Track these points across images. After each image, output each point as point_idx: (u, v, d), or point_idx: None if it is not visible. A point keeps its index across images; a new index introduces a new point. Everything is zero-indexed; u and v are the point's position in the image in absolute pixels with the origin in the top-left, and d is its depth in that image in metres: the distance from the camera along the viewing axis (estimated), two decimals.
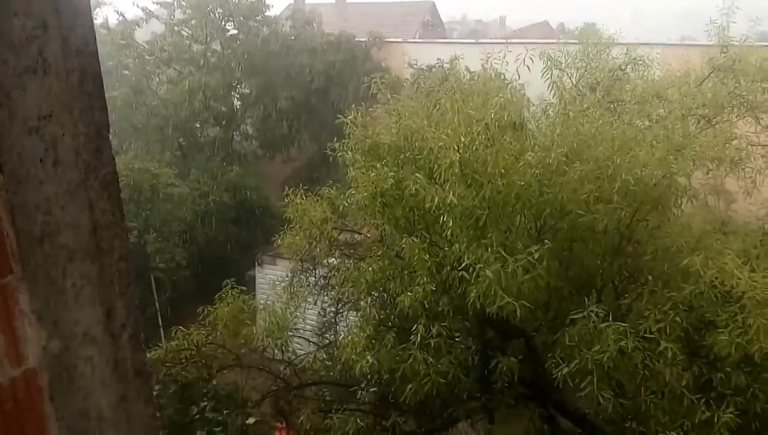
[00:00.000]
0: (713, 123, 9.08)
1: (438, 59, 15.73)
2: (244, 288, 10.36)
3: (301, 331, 10.03)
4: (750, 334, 6.27)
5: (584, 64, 9.81)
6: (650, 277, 7.22)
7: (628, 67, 9.87)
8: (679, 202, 7.78)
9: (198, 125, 21.19)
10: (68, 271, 1.65)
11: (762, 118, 9.43)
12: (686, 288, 6.71)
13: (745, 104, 9.32)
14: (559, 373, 6.64)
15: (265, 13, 21.33)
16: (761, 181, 9.43)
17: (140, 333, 1.93)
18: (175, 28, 21.00)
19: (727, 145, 8.99)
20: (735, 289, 6.42)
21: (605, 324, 6.47)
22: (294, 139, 21.57)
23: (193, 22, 21.14)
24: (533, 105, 9.19)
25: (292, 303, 9.41)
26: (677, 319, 6.65)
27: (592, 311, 6.58)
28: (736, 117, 9.42)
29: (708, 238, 7.69)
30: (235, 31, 21.22)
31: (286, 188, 9.68)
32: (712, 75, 9.34)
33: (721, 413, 6.55)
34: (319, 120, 20.54)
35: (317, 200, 9.48)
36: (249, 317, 10.06)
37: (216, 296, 9.89)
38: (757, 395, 6.85)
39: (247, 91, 22.01)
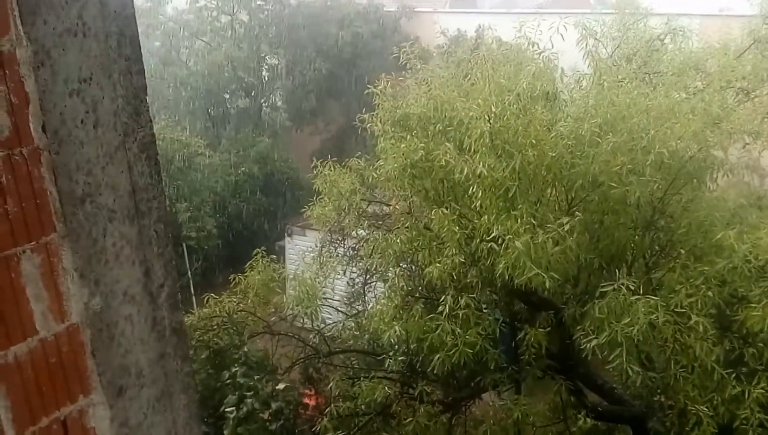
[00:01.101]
0: (752, 96, 8.80)
1: (475, 29, 15.47)
2: (274, 257, 10.49)
3: (330, 300, 10.13)
4: None
5: (620, 34, 9.55)
6: (682, 251, 7.09)
7: (666, 37, 9.59)
8: (715, 176, 7.61)
9: (227, 96, 21.30)
10: (108, 231, 1.69)
11: None
12: (719, 262, 6.59)
13: None
14: (588, 345, 6.62)
15: None
16: None
17: (177, 293, 1.99)
18: (201, 1, 21.00)
19: (766, 118, 8.72)
20: None
21: (635, 297, 6.40)
22: (323, 111, 21.56)
23: None
24: (567, 75, 9.03)
25: (321, 273, 9.50)
26: (709, 293, 6.55)
27: (622, 284, 6.52)
28: None
29: (743, 212, 7.52)
30: (262, 2, 21.15)
31: (315, 160, 9.71)
32: (752, 47, 9.01)
33: (752, 388, 6.47)
34: (348, 91, 20.48)
35: (346, 172, 9.50)
36: (279, 286, 10.21)
37: (247, 265, 10.04)
38: None
39: (275, 62, 22.01)
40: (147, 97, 1.81)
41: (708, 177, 7.59)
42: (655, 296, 6.55)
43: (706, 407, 6.54)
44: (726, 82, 8.62)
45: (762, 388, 6.48)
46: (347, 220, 9.66)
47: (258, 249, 10.16)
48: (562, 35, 9.08)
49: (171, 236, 1.88)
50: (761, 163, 9.74)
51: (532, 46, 9.09)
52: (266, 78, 22.03)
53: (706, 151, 7.32)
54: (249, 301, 9.79)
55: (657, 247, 7.85)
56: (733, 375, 6.61)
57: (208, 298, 9.98)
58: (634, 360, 6.53)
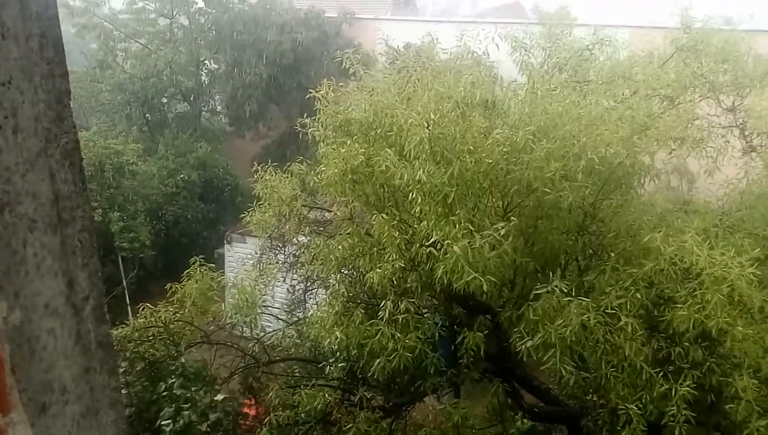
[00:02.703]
0: (676, 103, 9.24)
1: (417, 36, 15.65)
2: (213, 265, 10.30)
3: (270, 308, 10.03)
4: (707, 310, 6.46)
5: (550, 44, 9.87)
6: (612, 254, 7.38)
7: (595, 47, 9.97)
8: (642, 181, 7.94)
9: (165, 101, 20.84)
10: (29, 241, 1.63)
11: (723, 100, 9.62)
12: (647, 265, 6.88)
13: (707, 84, 9.49)
14: (523, 347, 6.78)
15: None
16: (722, 161, 9.65)
17: (103, 305, 1.93)
18: (139, 2, 20.53)
19: (690, 125, 9.17)
20: (694, 266, 6.61)
21: (568, 299, 6.61)
22: (264, 116, 21.36)
23: None
24: (505, 84, 9.26)
25: (261, 280, 9.40)
26: (638, 295, 6.83)
27: (556, 287, 6.72)
28: (699, 97, 9.60)
29: (669, 216, 7.88)
30: (202, 5, 20.82)
31: (255, 165, 9.61)
32: (675, 55, 9.47)
33: (678, 386, 6.77)
34: (289, 96, 20.36)
35: (287, 177, 9.44)
36: (217, 294, 10.03)
37: (184, 274, 9.82)
38: (713, 369, 7.07)
39: (215, 66, 21.68)
40: (71, 102, 1.75)
41: (636, 182, 7.91)
42: (587, 298, 6.78)
43: (636, 405, 6.80)
44: (652, 90, 9.03)
45: (688, 386, 6.79)
46: (288, 227, 9.58)
47: (195, 257, 9.95)
48: (497, 45, 9.33)
49: (96, 246, 1.83)
50: (689, 168, 10.25)
51: (471, 55, 9.29)
52: (206, 82, 21.68)
53: (633, 157, 7.63)
54: (186, 310, 9.57)
55: (589, 251, 8.12)
56: (661, 374, 6.90)
57: (144, 309, 9.70)
58: (567, 360, 6.74)
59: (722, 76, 9.59)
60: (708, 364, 7.08)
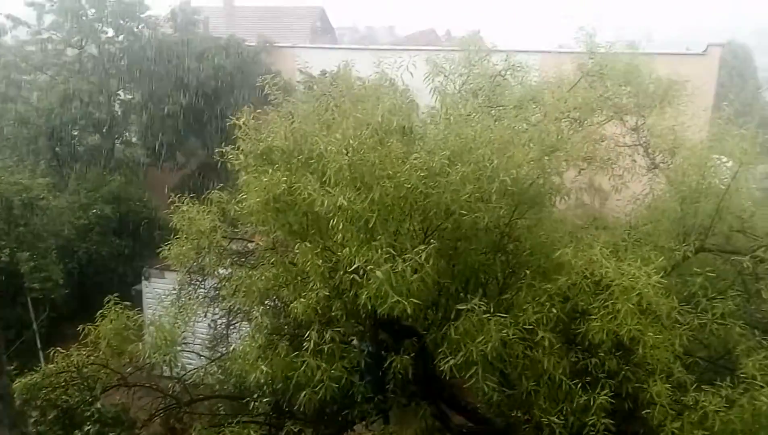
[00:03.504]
0: (584, 125, 9.68)
1: (327, 67, 15.75)
2: (129, 303, 9.91)
3: (191, 345, 9.72)
4: (619, 320, 6.76)
5: (467, 70, 10.16)
6: (528, 272, 7.60)
7: (508, 73, 10.32)
8: (554, 200, 8.25)
9: (76, 133, 20.04)
10: None
11: (627, 120, 10.15)
12: (560, 279, 7.13)
13: (612, 107, 10.00)
14: (446, 366, 6.86)
15: (144, 14, 20.50)
16: (629, 178, 10.17)
17: (2, 356, 1.82)
18: (45, 33, 19.81)
19: (597, 145, 9.62)
20: (604, 278, 6.90)
21: (488, 316, 6.75)
22: (182, 146, 20.89)
23: (66, 25, 19.99)
24: (423, 111, 9.46)
25: (180, 316, 9.11)
26: (553, 309, 7.06)
27: (475, 305, 6.86)
28: (605, 119, 10.10)
29: (580, 232, 8.22)
30: (113, 34, 20.27)
31: (173, 196, 9.36)
32: (582, 80, 9.94)
33: (596, 396, 7.01)
34: (208, 125, 20.02)
35: (206, 208, 9.25)
36: (134, 334, 9.61)
37: (98, 313, 9.40)
38: (629, 377, 7.37)
39: (130, 96, 21.08)
40: None
41: (548, 201, 8.22)
42: (506, 315, 6.95)
43: (558, 418, 6.98)
44: (561, 113, 9.41)
45: (605, 395, 7.05)
46: (208, 259, 9.36)
47: (110, 295, 9.54)
48: (411, 73, 9.52)
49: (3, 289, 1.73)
50: (602, 185, 10.72)
51: (389, 82, 9.44)
52: (119, 113, 21.02)
53: (544, 177, 7.94)
54: (101, 352, 9.14)
55: (507, 269, 8.33)
56: (579, 385, 7.13)
57: (55, 353, 9.20)
58: (490, 377, 6.87)
59: (626, 99, 10.12)
60: (623, 372, 7.38)
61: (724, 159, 8.89)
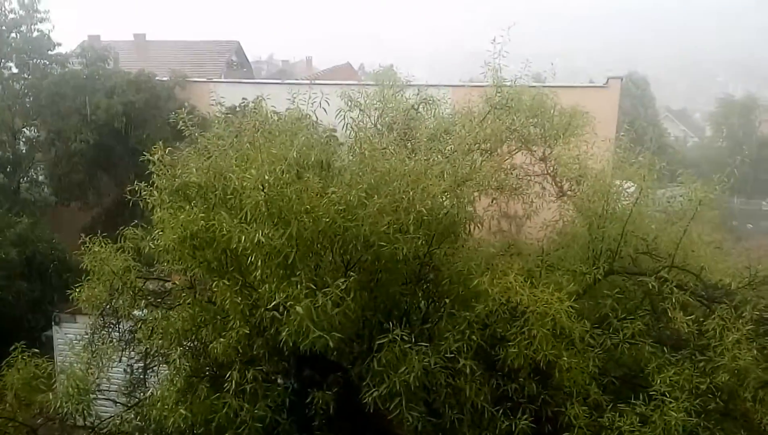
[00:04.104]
0: (495, 155, 10.05)
1: (243, 99, 15.69)
2: (37, 350, 9.38)
3: (106, 392, 9.27)
4: (535, 345, 6.98)
5: (381, 104, 10.38)
6: (447, 300, 7.75)
7: (421, 106, 10.62)
8: (468, 228, 8.49)
9: None
10: None
11: (535, 151, 10.60)
12: (478, 307, 7.31)
13: (521, 138, 10.44)
14: (370, 398, 6.86)
15: (52, 51, 19.81)
16: (540, 206, 10.59)
17: None
18: None
19: (508, 174, 10.00)
20: (520, 305, 7.13)
21: (409, 346, 6.82)
22: (92, 184, 20.12)
23: None
24: (340, 144, 9.55)
25: (93, 362, 8.72)
26: (473, 337, 7.22)
27: (397, 335, 6.91)
28: (514, 149, 10.53)
29: (495, 259, 8.47)
30: (17, 70, 19.46)
31: (83, 236, 9.02)
32: (490, 113, 10.34)
33: (517, 422, 7.18)
34: (120, 162, 19.41)
35: (119, 248, 8.94)
36: (44, 382, 9.11)
37: (3, 363, 8.86)
38: (548, 401, 7.60)
39: (35, 133, 20.20)
40: None
41: (462, 230, 8.44)
42: (428, 344, 7.04)
43: None
44: (472, 144, 9.74)
45: (526, 420, 7.23)
46: (121, 301, 9.03)
47: (17, 343, 9.01)
48: (325, 108, 9.62)
49: None
50: (516, 212, 11.09)
51: (305, 117, 9.49)
52: (24, 152, 20.07)
53: (458, 207, 8.16)
54: (7, 404, 8.59)
55: (428, 299, 8.45)
56: (501, 411, 7.28)
57: None
58: (414, 407, 6.90)
59: (532, 129, 10.58)
60: (543, 396, 7.60)
61: (627, 185, 9.43)
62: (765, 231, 35.24)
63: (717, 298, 8.26)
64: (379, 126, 10.43)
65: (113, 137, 19.57)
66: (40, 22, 19.45)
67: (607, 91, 17.24)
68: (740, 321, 7.40)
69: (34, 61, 19.50)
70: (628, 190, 9.35)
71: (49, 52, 19.81)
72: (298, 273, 7.09)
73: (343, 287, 6.87)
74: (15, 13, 19.10)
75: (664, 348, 7.98)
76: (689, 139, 59.03)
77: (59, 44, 20.06)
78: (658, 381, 7.47)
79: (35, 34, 19.44)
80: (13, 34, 19.16)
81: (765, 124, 50.14)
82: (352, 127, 9.30)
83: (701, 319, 7.88)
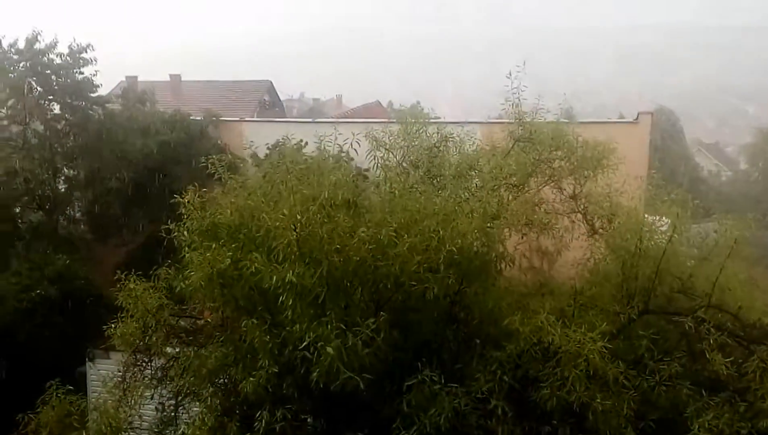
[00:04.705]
0: (523, 190, 10.00)
1: (278, 140, 15.95)
2: (72, 388, 9.51)
3: (138, 429, 9.33)
4: (567, 386, 6.85)
5: (406, 143, 10.46)
6: (478, 341, 7.69)
7: (443, 143, 10.64)
8: (500, 266, 8.44)
9: (18, 210, 19.52)
10: None
11: (564, 188, 10.53)
12: (510, 347, 7.22)
13: (548, 170, 10.39)
14: None
15: (94, 94, 20.46)
16: (570, 242, 10.49)
17: None
18: None
19: (536, 209, 9.94)
20: (552, 345, 7.03)
21: (439, 386, 6.75)
22: (127, 222, 20.51)
23: (10, 102, 19.75)
24: (368, 182, 9.65)
25: (125, 400, 8.80)
26: (505, 377, 7.12)
27: (426, 376, 6.85)
28: (542, 184, 10.47)
29: (526, 299, 8.38)
30: (59, 111, 20.11)
31: (119, 273, 9.22)
32: (515, 146, 10.34)
33: None
34: (155, 200, 19.76)
35: (152, 285, 9.12)
36: (78, 420, 9.21)
37: (38, 400, 9.00)
38: None
39: (75, 172, 20.76)
40: None
41: (494, 268, 8.39)
42: (458, 385, 6.96)
43: None
44: (499, 180, 9.70)
45: None
46: (154, 338, 9.15)
47: (52, 381, 9.15)
48: (359, 143, 9.76)
49: None
50: (547, 249, 10.99)
51: (334, 156, 9.63)
52: (63, 190, 20.61)
53: (488, 245, 8.13)
54: None
55: (459, 338, 8.38)
56: None
57: None
58: None
59: (558, 163, 10.51)
60: None
61: (661, 222, 9.30)
62: None
63: (756, 339, 8.04)
64: (404, 164, 10.50)
65: (149, 176, 19.98)
66: (85, 65, 20.12)
67: (638, 127, 17.09)
68: None
69: (75, 102, 20.12)
70: (661, 228, 9.22)
71: (90, 95, 20.44)
72: (328, 312, 7.13)
73: (373, 327, 6.86)
74: (62, 58, 19.82)
75: (702, 391, 7.77)
76: (723, 173, 58.00)
77: (100, 85, 20.69)
78: (697, 426, 7.25)
79: (79, 77, 20.10)
80: (60, 78, 19.83)
81: None
82: (380, 166, 9.38)
83: (740, 361, 7.67)
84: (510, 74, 10.38)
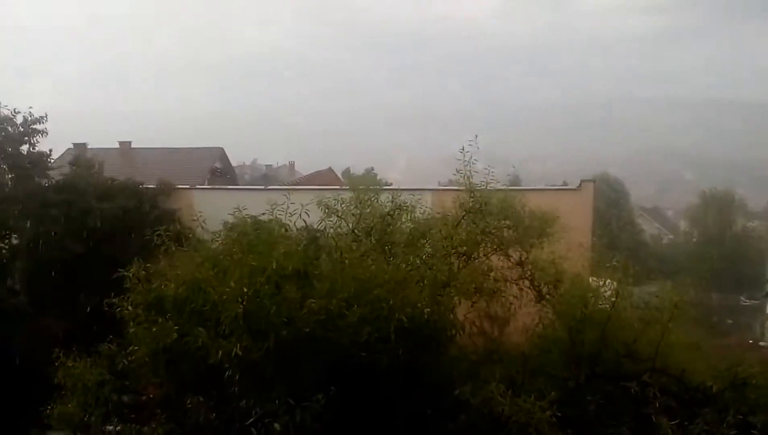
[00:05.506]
0: (472, 259, 10.14)
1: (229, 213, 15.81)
2: None
3: None
4: None
5: (358, 211, 10.54)
6: (430, 411, 7.61)
7: (396, 211, 10.75)
8: (450, 334, 8.47)
9: None
10: None
11: (511, 255, 10.73)
12: (462, 417, 7.19)
13: (495, 240, 10.58)
14: None
15: (45, 162, 20.11)
16: (519, 309, 10.60)
17: None
18: None
19: (486, 277, 10.06)
20: (502, 416, 7.02)
21: None
22: (70, 293, 19.81)
23: None
24: (322, 249, 9.61)
25: None
26: None
27: None
28: (490, 252, 10.64)
29: (477, 367, 8.40)
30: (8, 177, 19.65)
31: (57, 351, 8.91)
32: (465, 217, 10.53)
33: None
34: (102, 272, 19.22)
35: (94, 361, 8.82)
36: None
37: None
38: None
39: (16, 241, 20.08)
40: None
41: (444, 336, 8.41)
42: None
43: None
44: (449, 248, 9.83)
45: None
46: (94, 417, 8.77)
47: None
48: (307, 214, 9.77)
49: None
50: (497, 315, 11.05)
51: (284, 227, 9.60)
52: (3, 260, 19.86)
53: (439, 313, 8.18)
54: None
55: (412, 409, 8.27)
56: None
57: None
58: None
59: (506, 232, 10.74)
60: None
61: (604, 288, 9.54)
62: (744, 326, 35.36)
63: (700, 401, 8.21)
64: (357, 231, 10.54)
65: (96, 246, 19.50)
66: (35, 135, 19.88)
67: (580, 194, 17.66)
68: (724, 425, 7.32)
69: (19, 171, 19.70)
70: (605, 293, 9.45)
71: (35, 160, 20.08)
72: (276, 387, 6.99)
73: (323, 401, 6.74)
74: (14, 129, 19.58)
75: None
76: (664, 236, 60.20)
77: (50, 153, 20.38)
78: None
79: (28, 148, 19.81)
80: (9, 148, 19.52)
81: (740, 220, 51.47)
82: (330, 236, 9.42)
83: (686, 423, 7.79)
84: (462, 149, 10.65)
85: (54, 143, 21.37)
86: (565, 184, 21.14)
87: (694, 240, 51.47)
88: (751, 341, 26.64)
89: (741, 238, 48.55)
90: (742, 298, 39.70)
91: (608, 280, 9.37)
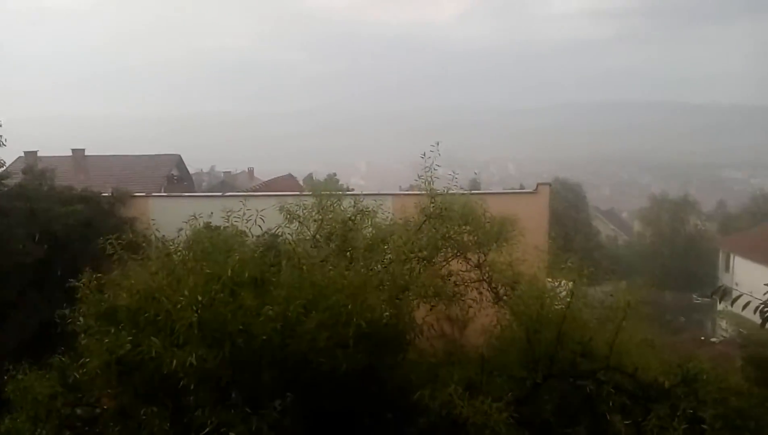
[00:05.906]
0: (432, 263, 10.21)
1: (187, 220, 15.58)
2: None
3: None
4: None
5: (320, 216, 10.51)
6: (390, 415, 7.61)
7: (358, 216, 10.77)
8: (409, 337, 8.48)
9: None
10: None
11: (470, 258, 10.83)
12: (422, 420, 7.20)
13: (456, 245, 10.68)
14: None
15: None
16: (478, 311, 10.70)
17: None
18: None
19: (446, 281, 10.14)
20: (461, 418, 7.06)
21: None
22: (20, 306, 19.19)
23: None
24: (281, 255, 9.52)
25: None
26: None
27: None
28: (451, 257, 10.73)
29: (436, 369, 8.43)
30: None
31: (6, 363, 8.62)
32: (426, 222, 10.60)
33: None
34: (52, 283, 18.69)
35: (45, 374, 8.56)
36: None
37: None
38: None
39: None
40: None
41: (404, 340, 8.42)
42: None
43: None
44: (410, 253, 9.87)
45: None
46: (46, 431, 8.50)
47: None
48: (262, 219, 9.68)
49: None
50: (458, 315, 11.11)
51: (241, 234, 9.48)
52: None
53: (398, 317, 8.19)
54: None
55: (372, 414, 8.25)
56: None
57: None
58: None
59: (466, 237, 10.85)
60: None
61: (560, 288, 9.68)
62: (697, 323, 36.40)
63: (653, 398, 8.39)
64: (318, 237, 10.50)
65: (48, 255, 18.95)
66: None
67: (536, 197, 17.90)
68: (675, 420, 7.50)
69: None
70: (561, 293, 9.60)
71: None
72: (232, 395, 6.88)
73: (280, 409, 6.67)
74: None
75: None
76: (620, 237, 61.57)
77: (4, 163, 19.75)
78: None
79: None
80: None
81: (693, 221, 52.95)
82: (289, 242, 9.35)
83: (640, 420, 7.95)
84: (424, 154, 10.71)
85: (2, 152, 20.77)
86: (522, 187, 21.44)
87: (648, 241, 52.76)
88: (702, 338, 27.46)
89: (693, 238, 49.95)
90: (694, 296, 40.85)
91: (564, 281, 9.51)
